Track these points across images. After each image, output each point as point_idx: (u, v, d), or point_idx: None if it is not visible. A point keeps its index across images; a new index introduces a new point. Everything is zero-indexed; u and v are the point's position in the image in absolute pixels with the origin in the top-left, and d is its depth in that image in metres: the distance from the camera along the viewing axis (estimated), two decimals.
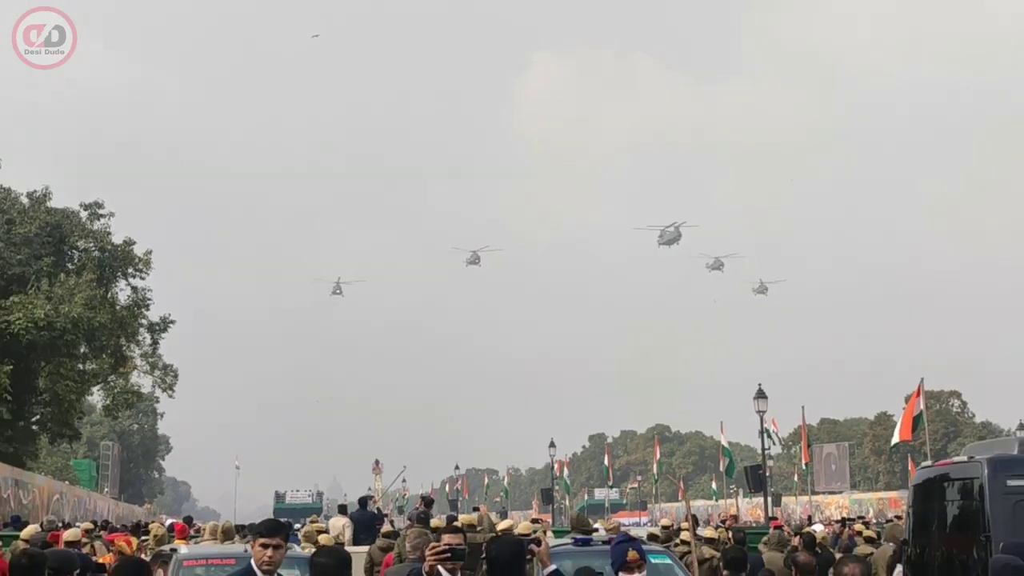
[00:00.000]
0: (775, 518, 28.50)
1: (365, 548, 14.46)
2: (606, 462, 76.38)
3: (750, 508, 64.65)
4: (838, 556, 10.34)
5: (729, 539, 13.94)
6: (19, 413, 38.11)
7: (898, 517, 24.04)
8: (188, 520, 23.35)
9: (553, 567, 6.08)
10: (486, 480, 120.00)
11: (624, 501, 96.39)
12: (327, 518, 23.56)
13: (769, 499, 41.34)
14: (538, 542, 6.48)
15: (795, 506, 64.44)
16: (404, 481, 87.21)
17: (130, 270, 39.50)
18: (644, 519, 63.76)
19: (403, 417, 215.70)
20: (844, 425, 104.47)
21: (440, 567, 5.55)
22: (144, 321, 40.91)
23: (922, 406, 27.79)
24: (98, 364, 40.07)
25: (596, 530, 13.04)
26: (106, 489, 71.54)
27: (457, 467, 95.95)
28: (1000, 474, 9.30)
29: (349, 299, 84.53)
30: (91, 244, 38.69)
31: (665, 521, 17.88)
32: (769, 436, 41.26)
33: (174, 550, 10.92)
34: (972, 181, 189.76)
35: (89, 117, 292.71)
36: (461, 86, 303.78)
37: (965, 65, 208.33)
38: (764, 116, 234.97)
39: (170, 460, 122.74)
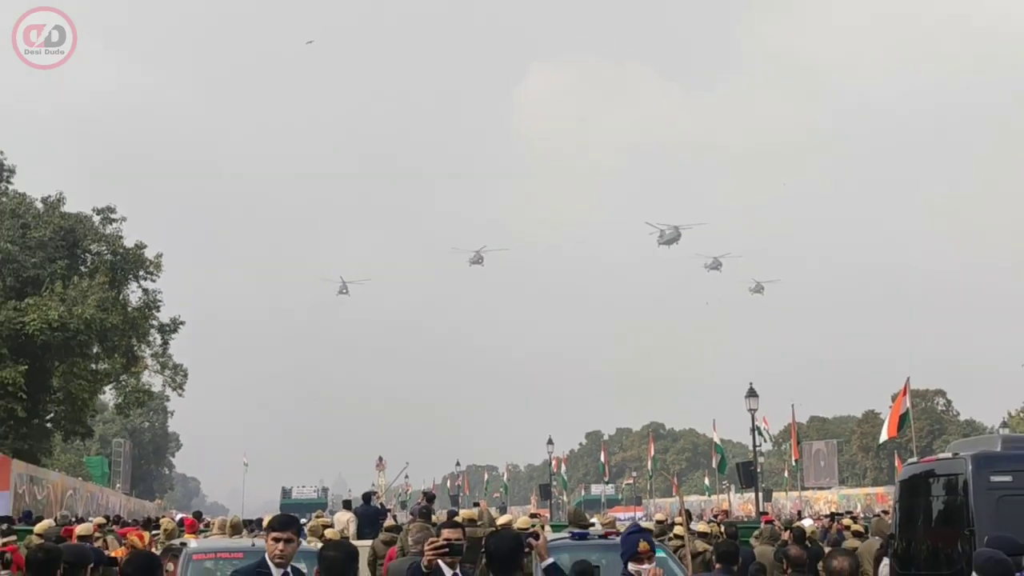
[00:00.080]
0: (766, 513, 28.56)
1: (369, 542, 14.44)
2: (602, 459, 76.21)
3: (742, 503, 64.58)
4: (827, 550, 10.33)
5: (721, 533, 13.94)
6: (34, 411, 38.08)
7: (885, 512, 24.04)
8: (197, 515, 23.30)
9: (551, 560, 6.08)
10: (486, 476, 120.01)
11: (620, 496, 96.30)
12: (332, 513, 23.52)
13: (760, 494, 41.40)
14: (536, 536, 6.48)
15: (785, 501, 64.52)
16: (407, 477, 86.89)
17: (141, 273, 39.58)
18: (639, 514, 63.75)
19: (405, 415, 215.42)
20: (833, 423, 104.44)
21: (440, 561, 5.56)
22: (155, 322, 40.97)
23: (908, 404, 27.85)
24: (110, 364, 40.10)
25: (593, 525, 13.02)
26: (118, 485, 71.41)
27: (458, 464, 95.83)
28: (983, 470, 9.33)
29: (352, 299, 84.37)
30: (103, 248, 38.74)
31: (659, 516, 17.83)
32: (760, 433, 41.32)
33: (184, 544, 10.95)
34: (965, 183, 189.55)
35: (89, 118, 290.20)
36: (462, 87, 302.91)
37: (963, 67, 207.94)
38: (759, 120, 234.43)
39: (180, 457, 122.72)
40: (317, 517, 17.49)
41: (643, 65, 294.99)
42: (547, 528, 15.29)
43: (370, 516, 18.54)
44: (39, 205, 38.38)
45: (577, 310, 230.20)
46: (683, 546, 11.05)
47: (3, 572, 10.29)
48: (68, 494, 41.84)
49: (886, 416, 31.88)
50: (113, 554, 10.42)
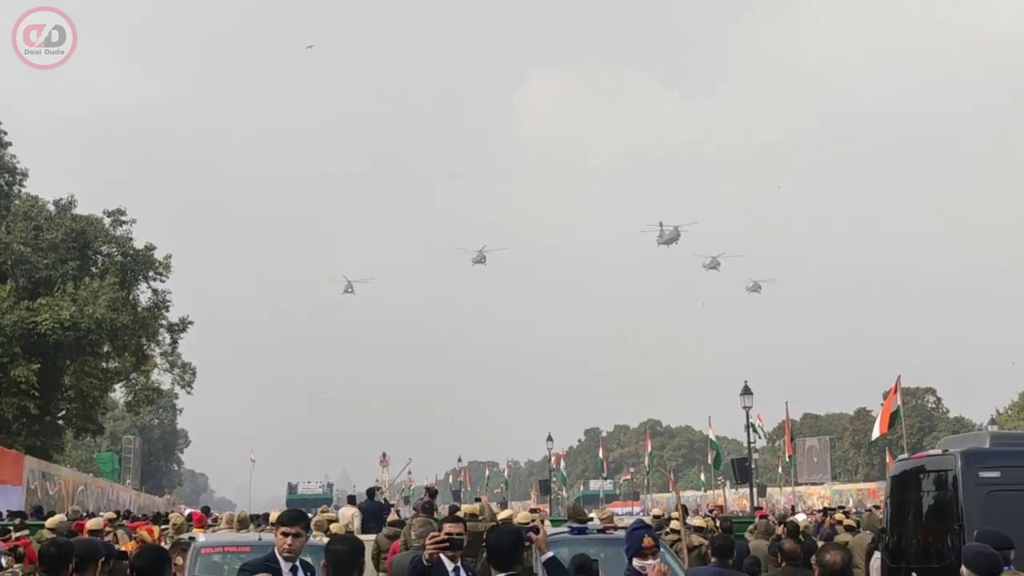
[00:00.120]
0: (760, 508, 28.47)
1: (373, 536, 14.43)
2: (600, 455, 76.36)
3: (736, 498, 64.54)
4: (820, 544, 10.34)
5: (717, 528, 13.94)
6: (46, 409, 38.14)
7: (876, 507, 23.95)
8: (206, 510, 23.33)
9: (550, 554, 6.09)
10: (487, 472, 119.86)
11: (618, 492, 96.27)
12: (337, 508, 23.52)
13: (755, 490, 41.38)
14: (536, 530, 6.51)
15: (779, 496, 64.46)
16: (410, 473, 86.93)
17: (151, 273, 39.65)
18: (636, 509, 63.74)
19: (408, 413, 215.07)
20: (826, 420, 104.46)
21: (441, 555, 5.57)
22: (164, 322, 41.06)
23: (899, 402, 27.90)
24: (120, 362, 40.16)
25: (591, 519, 13.02)
26: (128, 481, 71.36)
27: (460, 460, 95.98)
28: (973, 466, 9.32)
29: (355, 299, 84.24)
30: (114, 249, 38.81)
31: (656, 511, 17.87)
32: (754, 430, 41.30)
33: (192, 538, 10.96)
34: (958, 184, 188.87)
35: (89, 118, 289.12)
36: (462, 91, 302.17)
37: (960, 68, 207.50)
38: (757, 121, 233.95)
39: (188, 453, 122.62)
40: (322, 512, 17.48)
41: (641, 72, 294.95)
42: (547, 523, 15.27)
43: (374, 511, 18.54)
44: (51, 208, 38.48)
45: (577, 310, 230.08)
46: (679, 540, 11.06)
47: (16, 566, 10.30)
48: (79, 490, 41.85)
49: (878, 413, 31.90)
50: (123, 548, 10.40)
